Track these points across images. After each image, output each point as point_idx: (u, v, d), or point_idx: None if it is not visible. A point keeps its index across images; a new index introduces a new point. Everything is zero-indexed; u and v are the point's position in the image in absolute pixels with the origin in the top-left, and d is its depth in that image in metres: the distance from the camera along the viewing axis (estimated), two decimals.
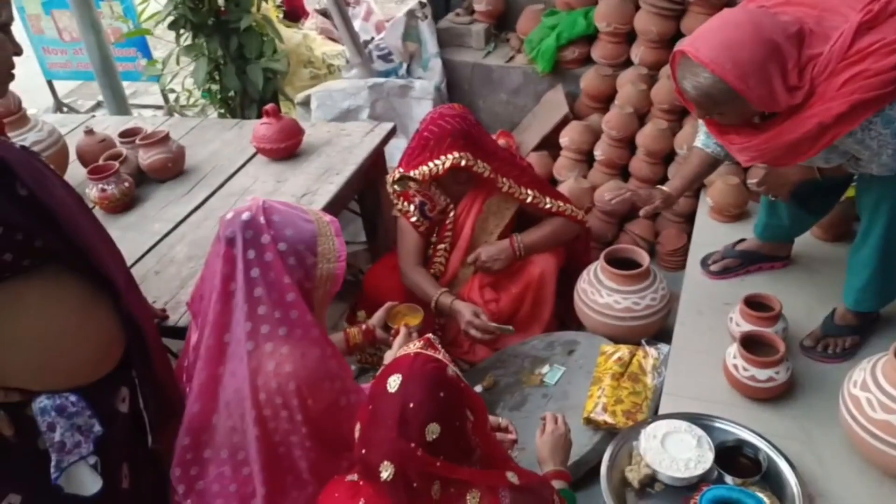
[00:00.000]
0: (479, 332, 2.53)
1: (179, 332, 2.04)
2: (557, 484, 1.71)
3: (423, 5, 4.02)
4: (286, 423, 1.59)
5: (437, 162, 2.56)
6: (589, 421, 2.18)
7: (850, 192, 2.35)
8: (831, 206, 2.40)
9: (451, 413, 1.33)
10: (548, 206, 2.75)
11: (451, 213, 2.76)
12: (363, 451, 1.35)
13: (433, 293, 2.65)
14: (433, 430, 1.30)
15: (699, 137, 2.28)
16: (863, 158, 1.84)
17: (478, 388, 2.53)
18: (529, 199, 2.72)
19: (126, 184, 2.65)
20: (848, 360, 2.15)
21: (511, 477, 1.41)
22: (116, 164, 2.65)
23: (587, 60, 3.67)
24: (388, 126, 3.09)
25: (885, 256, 2.01)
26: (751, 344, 2.08)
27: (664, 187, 2.34)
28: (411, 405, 1.30)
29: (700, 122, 2.19)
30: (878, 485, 1.83)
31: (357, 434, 1.38)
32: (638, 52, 3.45)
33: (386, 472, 1.29)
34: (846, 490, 1.83)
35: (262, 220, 1.63)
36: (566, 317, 2.88)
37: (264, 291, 1.61)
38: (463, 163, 2.54)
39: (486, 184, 2.69)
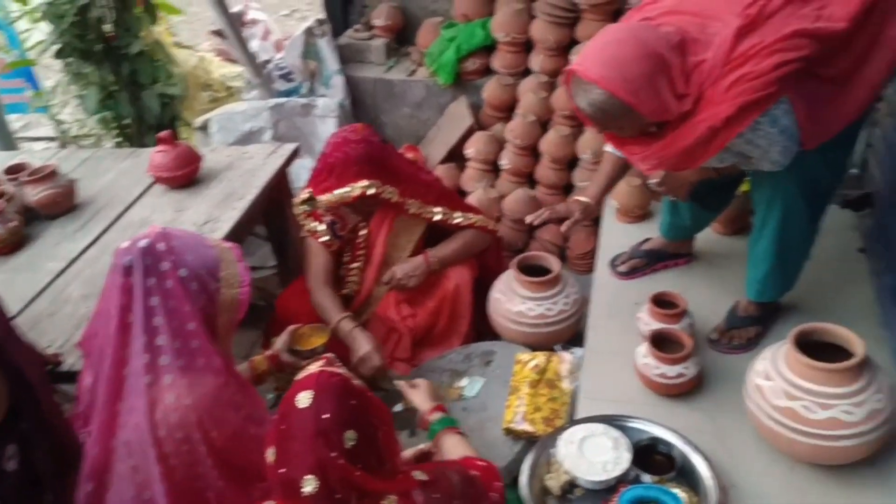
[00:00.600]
0: (368, 372, 2.47)
1: (76, 377, 1.94)
2: (437, 415, 1.97)
3: (321, 22, 3.98)
4: (188, 456, 1.54)
5: (345, 189, 2.54)
6: (509, 431, 2.18)
7: (745, 187, 2.43)
8: (728, 201, 2.48)
9: (365, 420, 1.36)
10: (457, 220, 2.75)
11: (363, 232, 2.74)
12: (281, 470, 1.33)
13: (335, 317, 2.60)
14: (351, 437, 1.32)
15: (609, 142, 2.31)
16: (754, 157, 1.90)
17: (398, 407, 2.49)
18: (438, 217, 2.72)
19: (13, 223, 2.52)
20: (752, 351, 2.21)
21: (419, 475, 1.46)
22: (1, 202, 2.52)
23: (488, 71, 3.70)
24: (291, 147, 3.04)
25: (781, 248, 2.09)
26: (660, 342, 2.12)
27: (582, 197, 2.37)
28: (325, 416, 1.31)
29: None
30: (789, 471, 1.88)
31: (271, 458, 1.36)
32: (537, 61, 3.50)
33: (309, 486, 1.28)
34: (758, 478, 1.88)
35: (161, 246, 1.59)
36: (483, 327, 2.89)
37: (164, 320, 1.56)
38: (370, 191, 2.53)
39: (395, 204, 2.67)
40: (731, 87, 1.70)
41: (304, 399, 1.33)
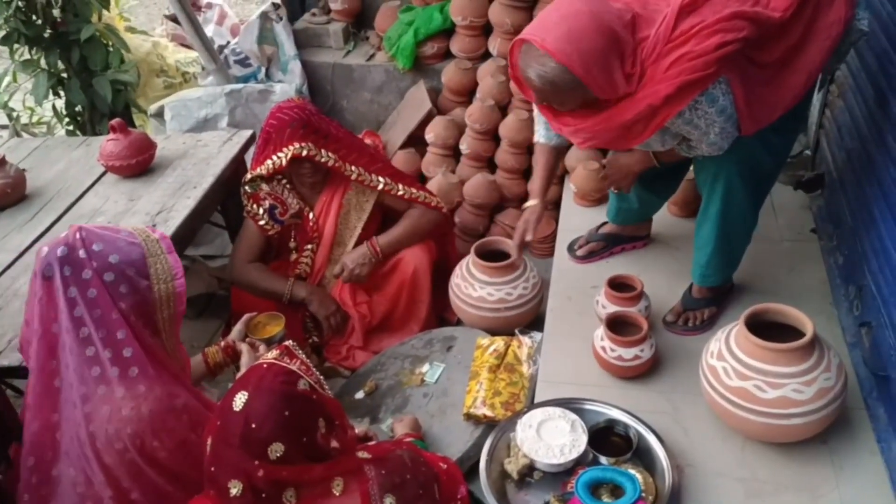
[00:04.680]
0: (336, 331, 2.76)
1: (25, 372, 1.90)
2: (409, 437, 1.97)
3: (276, 6, 3.91)
4: (131, 465, 1.50)
5: (279, 154, 2.54)
6: (469, 416, 2.18)
7: None
8: (675, 187, 2.51)
9: (297, 431, 1.34)
10: (400, 192, 2.73)
11: (311, 214, 2.72)
12: (212, 468, 1.35)
13: (282, 286, 2.70)
14: (276, 450, 1.31)
15: (538, 132, 2.30)
16: (693, 139, 1.92)
17: (359, 395, 2.50)
18: (381, 186, 2.69)
19: None
20: (708, 332, 2.24)
21: (361, 454, 1.48)
22: None
23: (447, 55, 3.66)
24: (247, 133, 3.00)
25: (723, 232, 2.11)
26: (616, 324, 2.14)
27: (530, 202, 2.35)
28: (253, 425, 1.31)
29: (536, 114, 2.23)
30: (740, 449, 1.91)
31: (208, 448, 1.37)
32: (495, 44, 3.48)
33: (234, 489, 1.31)
34: (711, 457, 1.91)
35: (81, 252, 1.52)
36: (445, 312, 2.89)
37: (92, 330, 1.51)
38: (304, 153, 2.52)
39: (339, 177, 2.66)
40: (672, 65, 1.70)
41: (238, 401, 1.33)
